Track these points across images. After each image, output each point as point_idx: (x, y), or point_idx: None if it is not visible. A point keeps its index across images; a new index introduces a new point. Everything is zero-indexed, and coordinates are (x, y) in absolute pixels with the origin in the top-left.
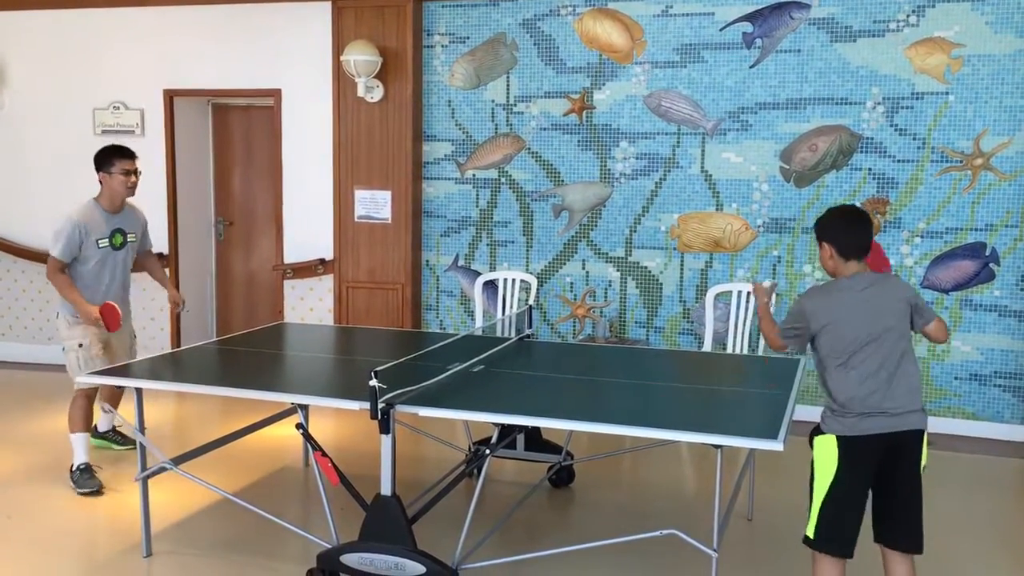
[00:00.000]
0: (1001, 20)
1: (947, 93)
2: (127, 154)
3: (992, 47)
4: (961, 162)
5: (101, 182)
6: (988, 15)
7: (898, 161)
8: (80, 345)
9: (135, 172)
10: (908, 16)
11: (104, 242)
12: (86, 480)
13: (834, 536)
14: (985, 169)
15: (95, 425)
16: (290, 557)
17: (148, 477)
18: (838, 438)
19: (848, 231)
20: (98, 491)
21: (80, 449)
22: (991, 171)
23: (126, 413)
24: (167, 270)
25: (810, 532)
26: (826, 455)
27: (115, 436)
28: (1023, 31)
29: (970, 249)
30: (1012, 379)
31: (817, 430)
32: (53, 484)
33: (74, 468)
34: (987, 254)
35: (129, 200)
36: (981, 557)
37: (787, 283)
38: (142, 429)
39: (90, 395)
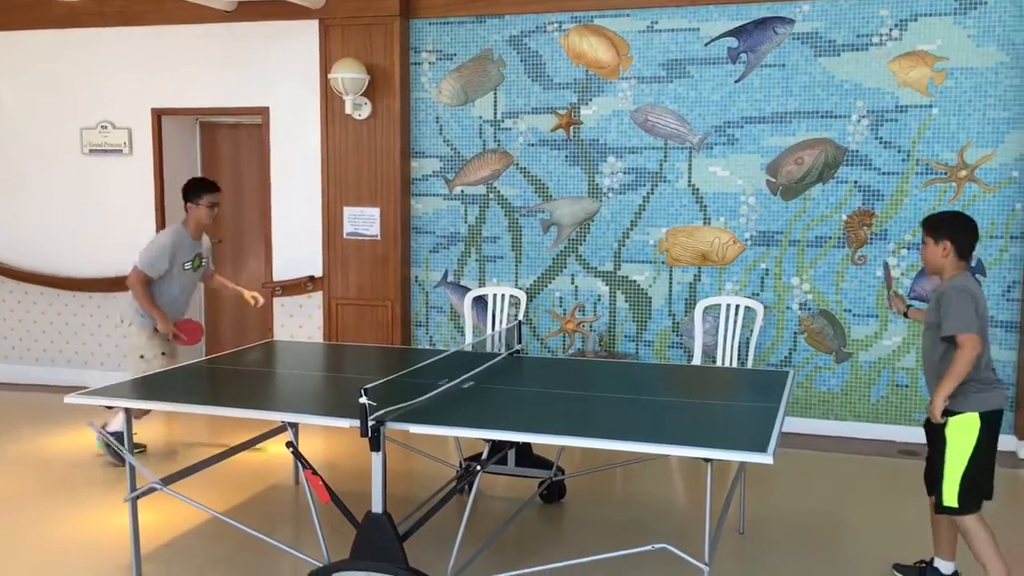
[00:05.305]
0: (983, 33)
1: (931, 106)
2: (215, 188)
3: (974, 60)
4: (945, 174)
5: (187, 210)
6: (970, 28)
7: (883, 174)
8: (163, 353)
9: (218, 204)
10: (891, 30)
11: (188, 265)
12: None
13: (975, 496)
14: (969, 181)
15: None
16: None
17: (138, 497)
18: (981, 414)
19: (975, 233)
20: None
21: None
22: (975, 183)
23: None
24: None
25: (952, 502)
26: (967, 431)
27: (111, 453)
28: (1005, 44)
29: None
30: None
31: (949, 412)
32: (45, 505)
33: (111, 431)
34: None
35: None
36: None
37: (775, 295)
38: (131, 449)
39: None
